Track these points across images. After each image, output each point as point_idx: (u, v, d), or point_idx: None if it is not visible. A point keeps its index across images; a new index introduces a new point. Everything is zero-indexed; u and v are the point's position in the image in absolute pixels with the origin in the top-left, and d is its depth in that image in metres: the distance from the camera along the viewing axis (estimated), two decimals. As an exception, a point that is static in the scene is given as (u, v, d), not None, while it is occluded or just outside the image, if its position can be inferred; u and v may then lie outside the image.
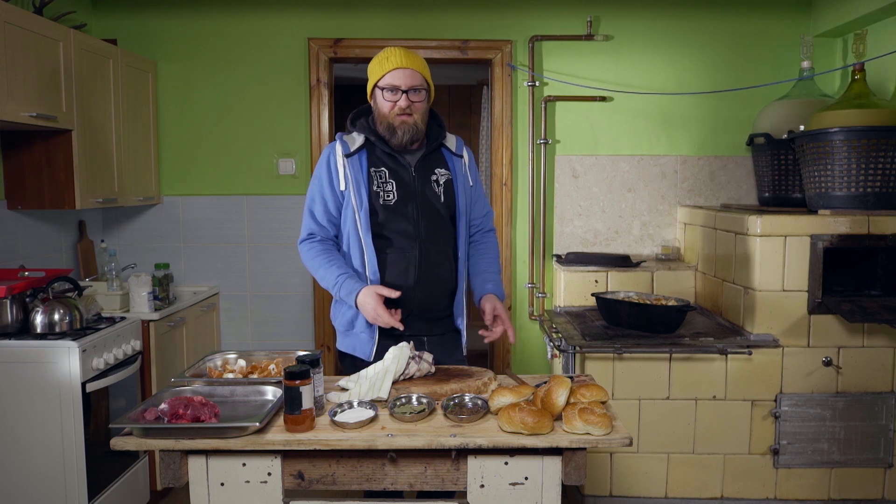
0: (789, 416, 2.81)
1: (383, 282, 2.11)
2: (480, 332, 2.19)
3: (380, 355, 2.04)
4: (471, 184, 2.25)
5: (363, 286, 2.05)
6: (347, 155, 2.12)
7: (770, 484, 2.85)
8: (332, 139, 3.68)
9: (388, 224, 2.11)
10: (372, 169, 2.12)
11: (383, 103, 2.09)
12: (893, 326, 2.67)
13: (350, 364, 2.19)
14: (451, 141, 2.24)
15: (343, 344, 2.21)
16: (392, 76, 2.07)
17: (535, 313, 3.68)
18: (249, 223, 3.71)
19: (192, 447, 1.57)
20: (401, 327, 2.04)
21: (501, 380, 2.00)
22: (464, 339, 2.26)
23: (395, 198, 2.11)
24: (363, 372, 1.93)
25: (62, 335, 2.59)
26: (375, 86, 2.11)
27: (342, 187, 2.11)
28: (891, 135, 2.66)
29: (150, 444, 1.57)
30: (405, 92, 2.06)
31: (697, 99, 3.60)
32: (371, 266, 2.10)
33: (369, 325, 2.11)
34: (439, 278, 2.16)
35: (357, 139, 2.15)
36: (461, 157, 2.24)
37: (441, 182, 2.17)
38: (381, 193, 2.10)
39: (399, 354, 1.92)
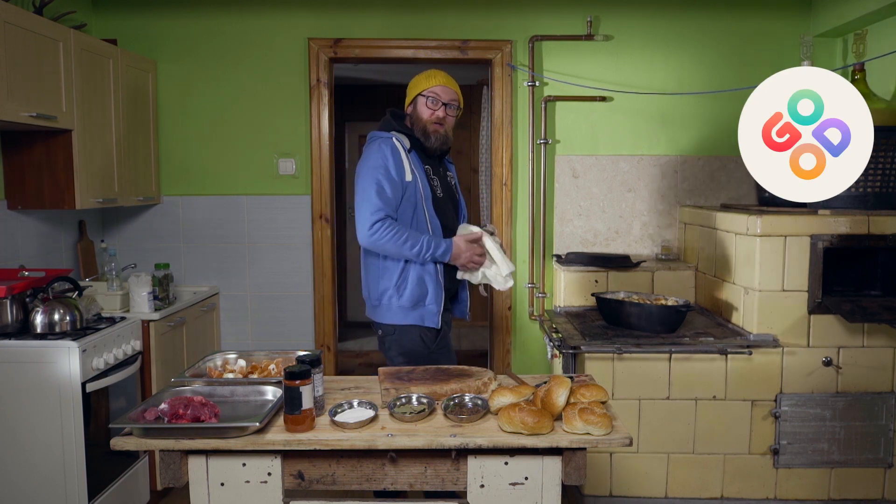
0: (789, 416, 2.81)
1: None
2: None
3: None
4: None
5: (450, 240, 2.39)
6: (409, 150, 2.42)
7: (770, 484, 2.85)
8: (332, 139, 3.68)
9: (440, 213, 2.46)
10: (426, 166, 2.47)
11: (424, 109, 2.44)
12: (893, 326, 2.67)
13: (407, 335, 2.42)
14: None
15: (407, 318, 2.41)
16: (437, 89, 2.44)
17: (535, 313, 3.67)
18: (249, 223, 3.71)
19: (192, 447, 1.58)
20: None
21: (501, 380, 2.00)
22: (465, 304, 2.64)
23: (441, 192, 2.50)
24: (486, 243, 2.38)
25: (62, 335, 2.59)
26: (420, 94, 2.44)
27: (409, 178, 2.38)
28: (891, 135, 2.66)
29: (150, 444, 1.57)
30: (444, 105, 2.42)
31: (697, 99, 3.60)
32: None
33: (436, 297, 2.40)
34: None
35: (404, 140, 2.44)
36: (453, 164, 2.69)
37: (453, 183, 2.62)
38: (432, 186, 2.46)
39: (484, 232, 2.39)
